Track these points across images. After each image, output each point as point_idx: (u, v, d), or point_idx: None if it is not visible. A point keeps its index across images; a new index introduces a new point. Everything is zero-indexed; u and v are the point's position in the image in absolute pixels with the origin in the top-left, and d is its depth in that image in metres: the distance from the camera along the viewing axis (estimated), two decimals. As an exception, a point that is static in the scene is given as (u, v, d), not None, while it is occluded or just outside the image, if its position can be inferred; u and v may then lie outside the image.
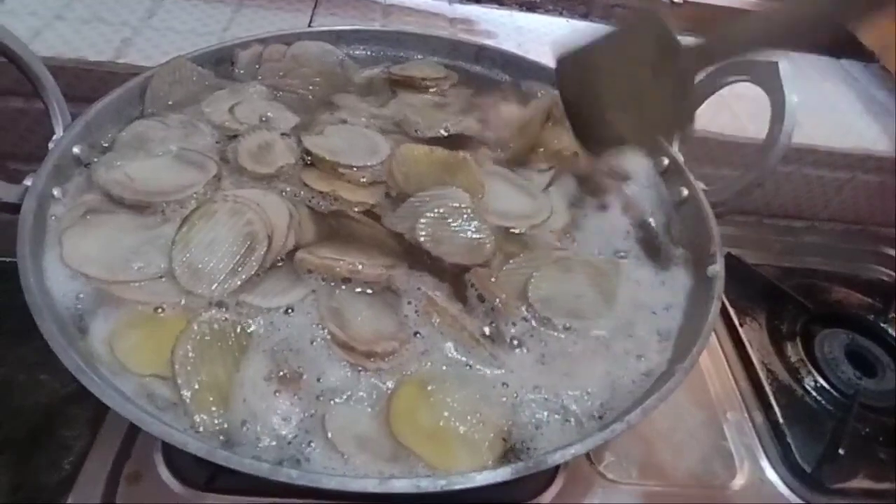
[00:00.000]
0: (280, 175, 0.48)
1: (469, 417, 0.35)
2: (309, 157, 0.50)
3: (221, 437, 0.32)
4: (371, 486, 0.30)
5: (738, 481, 0.56)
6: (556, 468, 0.52)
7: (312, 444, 0.33)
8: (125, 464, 0.50)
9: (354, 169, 0.50)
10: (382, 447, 0.33)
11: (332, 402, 0.35)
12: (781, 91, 0.46)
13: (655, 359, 0.42)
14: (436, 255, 0.44)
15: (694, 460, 0.57)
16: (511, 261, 0.45)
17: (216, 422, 0.33)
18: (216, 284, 0.38)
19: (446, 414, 0.35)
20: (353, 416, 0.34)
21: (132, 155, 0.47)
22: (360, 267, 0.41)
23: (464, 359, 0.39)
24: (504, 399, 0.37)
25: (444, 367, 0.38)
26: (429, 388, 0.36)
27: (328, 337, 0.37)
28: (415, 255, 0.44)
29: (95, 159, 0.47)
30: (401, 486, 0.30)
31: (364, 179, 0.50)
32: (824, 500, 0.56)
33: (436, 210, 0.46)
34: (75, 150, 0.46)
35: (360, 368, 0.36)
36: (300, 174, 0.49)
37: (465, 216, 0.46)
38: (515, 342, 0.41)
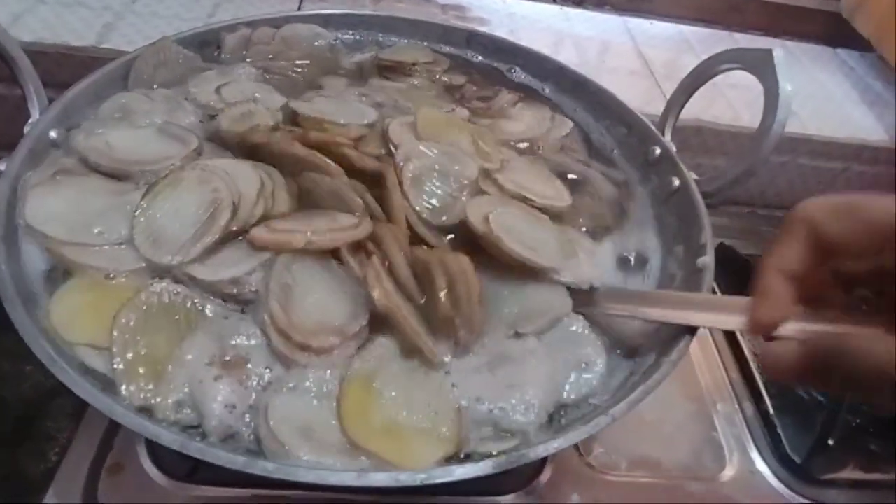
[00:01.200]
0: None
1: (421, 410, 0.34)
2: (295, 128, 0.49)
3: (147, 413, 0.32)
4: (349, 479, 0.29)
5: (728, 473, 0.56)
6: (544, 460, 0.51)
7: (252, 433, 0.32)
8: (107, 455, 0.49)
9: (342, 123, 0.49)
10: (329, 440, 0.32)
11: (275, 392, 0.34)
12: (775, 80, 0.45)
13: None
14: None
15: (684, 452, 0.57)
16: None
17: (143, 396, 0.32)
18: (175, 252, 0.36)
19: (397, 409, 0.34)
20: (298, 407, 0.33)
21: (114, 125, 0.46)
22: (312, 237, 0.38)
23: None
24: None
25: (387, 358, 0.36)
26: (374, 384, 0.35)
27: (267, 319, 0.35)
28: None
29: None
30: (379, 479, 0.29)
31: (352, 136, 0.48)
32: (814, 491, 0.56)
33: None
34: (52, 133, 0.44)
35: (287, 361, 0.35)
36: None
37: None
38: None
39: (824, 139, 0.81)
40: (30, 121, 0.44)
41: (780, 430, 0.58)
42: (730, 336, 0.67)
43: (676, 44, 0.95)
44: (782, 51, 0.47)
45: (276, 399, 0.33)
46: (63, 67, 0.68)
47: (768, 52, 0.47)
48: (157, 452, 0.47)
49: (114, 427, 0.50)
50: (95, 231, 0.38)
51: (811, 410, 0.61)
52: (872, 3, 0.93)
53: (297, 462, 0.30)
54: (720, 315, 0.38)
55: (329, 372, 0.35)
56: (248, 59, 0.58)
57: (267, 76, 0.57)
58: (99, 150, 0.43)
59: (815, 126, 0.82)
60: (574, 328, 0.41)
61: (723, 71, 0.53)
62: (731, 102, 0.82)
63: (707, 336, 0.68)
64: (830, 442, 0.56)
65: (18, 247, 0.37)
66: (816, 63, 0.96)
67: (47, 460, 0.78)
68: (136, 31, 0.71)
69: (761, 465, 0.57)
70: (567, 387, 0.38)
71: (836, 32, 1.00)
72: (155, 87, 0.52)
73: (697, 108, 0.78)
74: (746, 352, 0.65)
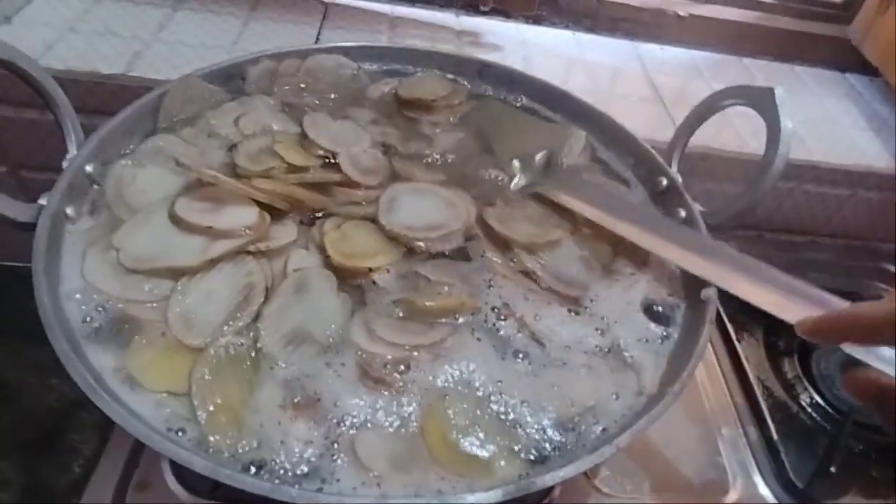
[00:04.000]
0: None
1: (498, 431, 0.38)
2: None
3: (231, 458, 0.34)
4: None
5: (732, 497, 0.57)
6: (552, 483, 0.53)
7: (338, 466, 0.35)
8: (133, 472, 0.51)
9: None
10: (414, 464, 0.35)
11: (354, 425, 0.37)
12: (777, 117, 0.47)
13: (648, 378, 0.43)
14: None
15: (688, 475, 0.58)
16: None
17: (228, 443, 0.34)
18: (206, 336, 0.39)
19: (474, 431, 0.37)
20: (379, 436, 0.37)
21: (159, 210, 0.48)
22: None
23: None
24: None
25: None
26: (448, 411, 0.38)
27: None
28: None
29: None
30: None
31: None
32: (816, 516, 0.57)
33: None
34: (88, 168, 0.47)
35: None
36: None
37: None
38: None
39: (830, 166, 0.82)
40: (67, 156, 0.47)
41: (783, 456, 0.59)
42: (734, 360, 0.68)
43: (686, 70, 0.96)
44: (783, 89, 0.49)
45: (359, 433, 0.36)
46: (94, 95, 0.71)
47: (770, 91, 0.49)
48: (182, 470, 0.49)
49: (140, 445, 0.52)
50: (146, 288, 0.41)
51: (814, 436, 0.63)
52: (879, 28, 0.94)
53: (317, 495, 0.33)
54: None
55: (405, 400, 0.38)
56: (275, 90, 0.61)
57: (286, 108, 0.60)
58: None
59: (821, 152, 0.83)
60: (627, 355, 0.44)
61: (727, 106, 0.54)
62: (738, 130, 0.84)
63: (712, 360, 0.69)
64: (832, 469, 0.57)
65: (58, 278, 0.40)
66: (824, 88, 0.98)
67: (71, 472, 0.80)
68: (163, 59, 0.74)
69: (764, 490, 0.58)
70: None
71: (845, 58, 1.02)
72: (182, 118, 0.55)
73: (706, 136, 0.80)
74: (751, 377, 0.66)
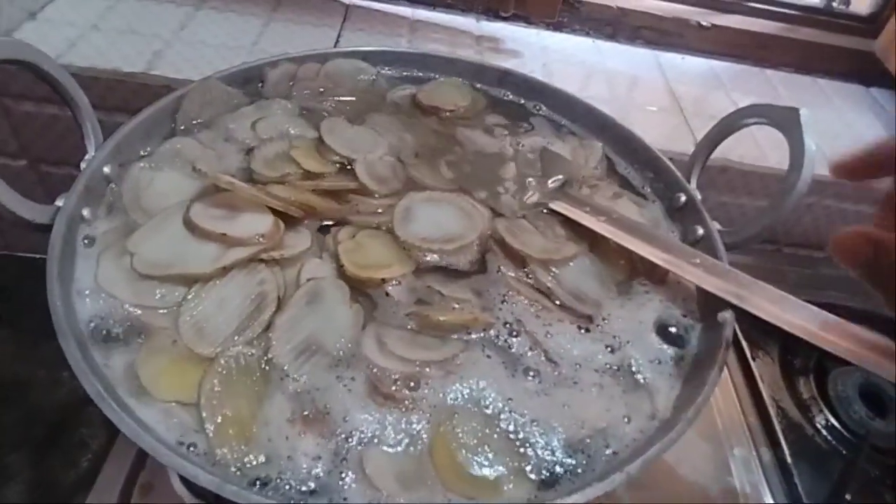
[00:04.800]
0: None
1: (507, 452, 0.37)
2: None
3: (237, 472, 0.34)
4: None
5: (742, 519, 0.56)
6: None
7: (345, 483, 0.34)
8: (139, 474, 0.52)
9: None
10: (423, 484, 0.35)
11: (363, 441, 0.37)
12: (801, 139, 0.46)
13: (661, 401, 0.42)
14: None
15: (699, 495, 0.57)
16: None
17: (235, 456, 0.34)
18: (217, 345, 0.38)
19: (483, 452, 0.37)
20: (388, 454, 0.36)
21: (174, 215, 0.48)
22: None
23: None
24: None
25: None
26: (457, 430, 0.38)
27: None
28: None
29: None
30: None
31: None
32: (828, 543, 0.56)
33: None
34: (105, 169, 0.47)
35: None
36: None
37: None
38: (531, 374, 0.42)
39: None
40: (86, 157, 0.47)
41: (796, 479, 0.58)
42: (749, 380, 0.67)
43: (707, 80, 0.95)
44: (807, 111, 0.48)
45: (368, 449, 0.36)
46: (115, 92, 0.71)
47: (795, 111, 0.48)
48: (188, 473, 0.49)
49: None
50: (158, 294, 0.41)
51: (829, 459, 0.61)
52: (906, 42, 0.92)
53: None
54: None
55: (414, 417, 0.38)
56: (294, 95, 0.61)
57: (304, 112, 0.60)
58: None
59: (844, 169, 0.81)
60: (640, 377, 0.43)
61: (749, 125, 0.53)
62: (758, 143, 0.82)
63: (726, 377, 0.68)
64: (847, 496, 0.56)
65: (72, 282, 0.40)
66: (848, 102, 0.96)
67: (79, 467, 0.81)
68: (183, 59, 0.74)
69: (776, 514, 0.57)
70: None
71: (869, 71, 1.00)
72: (201, 121, 0.55)
73: (724, 148, 0.78)
74: (765, 396, 0.65)
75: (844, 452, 0.62)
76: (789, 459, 0.60)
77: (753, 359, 0.69)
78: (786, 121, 0.48)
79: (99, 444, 0.70)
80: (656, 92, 0.90)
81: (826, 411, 0.66)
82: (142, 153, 0.51)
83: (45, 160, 0.80)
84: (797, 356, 0.71)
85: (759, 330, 0.72)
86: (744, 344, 0.70)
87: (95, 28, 0.77)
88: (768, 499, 0.58)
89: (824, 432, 0.64)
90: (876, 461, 0.61)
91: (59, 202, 0.43)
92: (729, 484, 0.59)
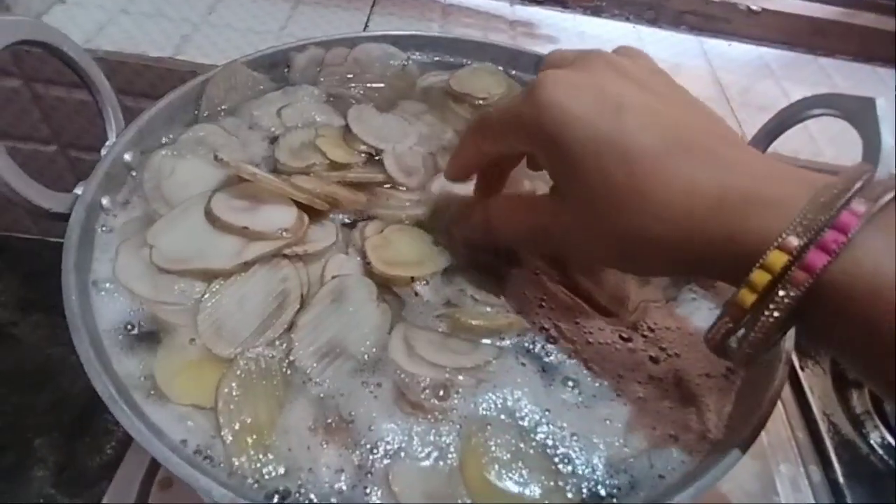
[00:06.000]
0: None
1: (540, 469, 0.34)
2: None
3: (255, 484, 0.32)
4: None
5: (789, 543, 0.53)
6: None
7: (371, 500, 0.32)
8: (159, 469, 0.50)
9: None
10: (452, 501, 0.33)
11: (388, 454, 0.34)
12: (878, 132, 0.42)
13: (713, 419, 0.39)
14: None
15: (740, 514, 0.54)
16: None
17: (253, 467, 0.32)
18: (236, 346, 0.36)
19: (517, 469, 0.34)
20: (415, 468, 0.34)
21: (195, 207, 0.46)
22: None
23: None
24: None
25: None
26: (490, 443, 0.35)
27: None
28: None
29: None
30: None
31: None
32: (883, 571, 0.52)
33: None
34: (126, 157, 0.45)
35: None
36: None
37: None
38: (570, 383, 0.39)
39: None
40: (107, 143, 0.45)
41: (848, 500, 0.54)
42: (798, 392, 0.63)
43: (755, 68, 0.90)
44: (885, 100, 0.44)
45: (394, 463, 0.33)
46: (142, 77, 0.70)
47: (870, 101, 0.43)
48: (207, 473, 0.48)
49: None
50: (177, 289, 0.38)
51: (885, 481, 0.57)
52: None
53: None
54: None
55: (444, 428, 0.35)
56: (321, 80, 0.58)
57: (331, 98, 0.57)
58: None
59: (906, 166, 0.76)
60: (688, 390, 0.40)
61: (813, 116, 0.49)
62: (814, 136, 0.77)
63: (773, 388, 0.64)
64: (907, 522, 0.52)
65: (89, 274, 0.38)
66: (911, 94, 0.90)
67: (104, 454, 0.81)
68: (211, 43, 0.72)
69: (826, 538, 0.53)
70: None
71: (935, 60, 0.93)
72: (225, 107, 0.53)
73: (778, 140, 0.74)
74: (815, 410, 0.61)
75: (902, 473, 0.58)
76: (841, 479, 0.56)
77: (802, 369, 0.65)
78: (858, 111, 0.43)
79: (124, 432, 0.70)
80: (701, 81, 0.85)
81: (882, 428, 0.61)
82: (164, 140, 0.49)
83: (75, 146, 0.79)
84: (850, 366, 0.66)
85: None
86: (792, 354, 0.65)
87: (125, 12, 0.76)
88: (817, 520, 0.54)
89: (880, 451, 0.59)
90: (937, 484, 0.57)
91: (78, 190, 0.41)
92: None
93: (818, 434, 0.59)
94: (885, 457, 0.59)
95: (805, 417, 0.61)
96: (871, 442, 0.60)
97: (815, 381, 0.64)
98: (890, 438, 0.60)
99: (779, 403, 0.63)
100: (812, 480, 0.57)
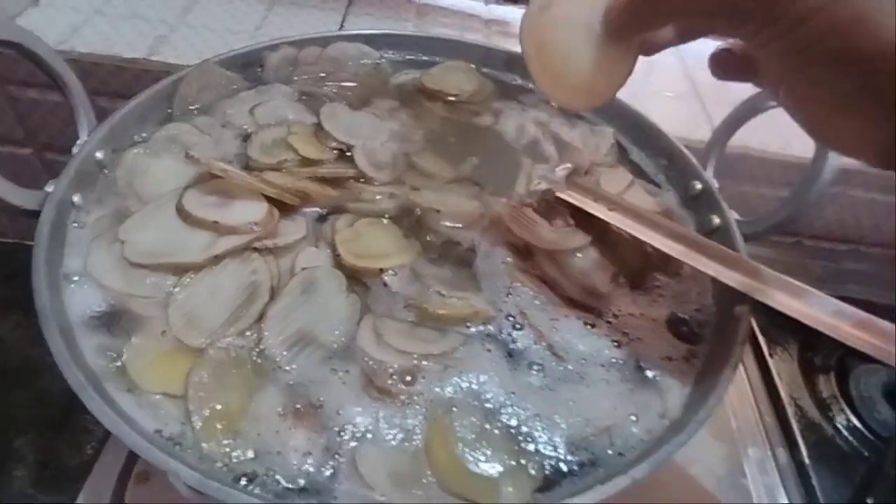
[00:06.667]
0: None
1: (504, 449, 0.35)
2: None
3: (224, 468, 0.32)
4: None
5: (756, 523, 0.54)
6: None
7: (337, 481, 0.33)
8: (135, 463, 0.51)
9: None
10: (418, 483, 0.34)
11: (356, 437, 0.35)
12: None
13: (672, 400, 0.40)
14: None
15: (709, 498, 0.55)
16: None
17: (223, 451, 0.33)
18: (206, 337, 0.37)
19: (481, 450, 0.35)
20: (381, 451, 0.35)
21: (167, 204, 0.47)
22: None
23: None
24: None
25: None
26: (455, 424, 0.36)
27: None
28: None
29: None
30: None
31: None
32: (848, 549, 0.53)
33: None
34: (98, 154, 0.46)
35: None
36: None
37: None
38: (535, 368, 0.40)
39: (881, 171, 0.77)
40: (78, 142, 0.46)
41: (815, 482, 0.56)
42: (765, 376, 0.65)
43: (727, 65, 0.91)
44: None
45: (361, 445, 0.34)
46: (116, 78, 0.70)
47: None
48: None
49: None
50: (148, 282, 0.39)
51: (850, 462, 0.59)
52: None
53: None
54: None
55: (410, 412, 0.36)
56: (294, 79, 0.59)
57: (303, 97, 0.58)
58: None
59: (870, 157, 0.78)
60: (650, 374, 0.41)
61: (773, 107, 0.51)
62: (782, 129, 0.79)
63: (741, 374, 0.66)
64: (869, 501, 0.53)
65: (60, 269, 0.39)
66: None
67: (83, 453, 0.81)
68: (187, 44, 0.73)
69: (792, 518, 0.55)
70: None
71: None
72: (198, 106, 0.54)
73: (744, 134, 0.75)
74: (783, 395, 0.62)
75: (867, 455, 0.59)
76: (807, 461, 0.57)
77: (771, 355, 0.66)
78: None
79: (103, 431, 0.70)
80: (673, 77, 0.87)
81: (847, 411, 0.63)
82: (137, 139, 0.50)
83: (50, 147, 0.79)
84: (817, 353, 0.68)
85: (777, 325, 0.69)
86: (761, 340, 0.67)
87: (99, 13, 0.76)
88: (783, 500, 0.56)
89: (845, 433, 0.61)
90: (901, 464, 0.58)
91: (49, 188, 0.42)
92: (743, 486, 0.56)
93: (785, 418, 0.61)
94: (851, 439, 0.60)
95: (773, 402, 0.63)
96: (837, 424, 0.62)
97: (782, 367, 0.66)
98: (855, 421, 0.62)
99: (747, 388, 0.65)
100: (779, 462, 0.58)
